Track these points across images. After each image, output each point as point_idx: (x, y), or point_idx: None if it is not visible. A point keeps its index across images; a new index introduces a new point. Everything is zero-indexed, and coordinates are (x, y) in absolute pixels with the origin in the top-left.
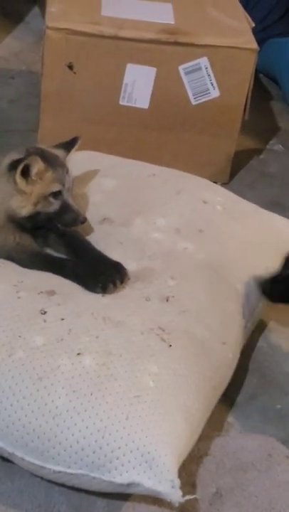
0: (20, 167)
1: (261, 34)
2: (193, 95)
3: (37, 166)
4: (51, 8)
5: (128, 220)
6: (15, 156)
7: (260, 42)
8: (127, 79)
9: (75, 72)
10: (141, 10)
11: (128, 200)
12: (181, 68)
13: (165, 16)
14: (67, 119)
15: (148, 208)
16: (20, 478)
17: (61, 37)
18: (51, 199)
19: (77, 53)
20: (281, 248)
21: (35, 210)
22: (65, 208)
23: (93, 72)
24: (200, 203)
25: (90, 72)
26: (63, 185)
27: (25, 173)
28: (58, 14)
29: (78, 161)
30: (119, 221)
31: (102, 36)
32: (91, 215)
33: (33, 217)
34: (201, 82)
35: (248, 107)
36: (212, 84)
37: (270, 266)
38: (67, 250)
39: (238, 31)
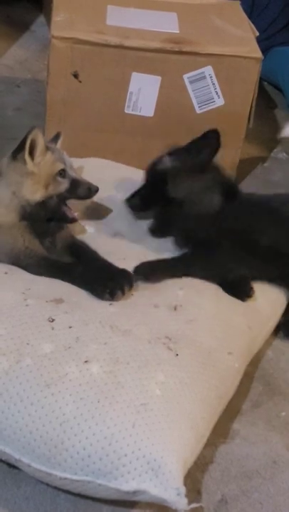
0: (28, 142)
1: (265, 43)
2: (198, 104)
3: (41, 140)
4: (57, 18)
5: (139, 237)
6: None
7: (264, 50)
8: (132, 87)
9: (80, 81)
10: (146, 19)
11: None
12: (185, 77)
13: (170, 25)
14: (72, 128)
15: None
16: (27, 485)
17: (67, 46)
18: (59, 178)
19: (82, 62)
20: None
21: (47, 193)
22: (76, 182)
23: (98, 80)
24: None
25: (95, 81)
26: (64, 163)
27: (31, 152)
28: (63, 23)
29: (89, 167)
30: (131, 237)
31: (108, 45)
32: (103, 228)
33: (46, 204)
34: (206, 91)
35: (252, 115)
36: (216, 93)
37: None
38: (74, 259)
39: (243, 40)
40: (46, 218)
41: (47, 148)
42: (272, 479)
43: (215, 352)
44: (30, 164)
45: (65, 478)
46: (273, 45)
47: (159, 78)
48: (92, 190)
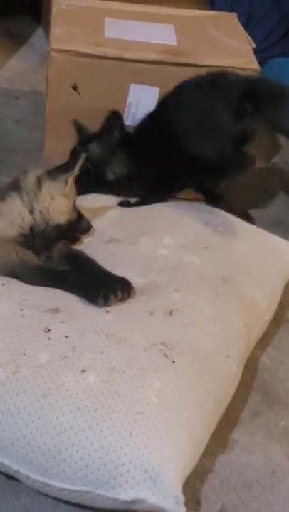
0: (78, 166)
1: (262, 54)
2: None
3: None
4: (55, 30)
5: (135, 239)
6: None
7: (261, 62)
8: (131, 99)
9: (79, 93)
10: (144, 32)
11: (133, 224)
12: None
13: (167, 37)
14: (71, 140)
15: (154, 229)
16: (26, 496)
17: (65, 58)
18: (74, 207)
19: (81, 74)
20: (281, 268)
21: (68, 217)
22: (80, 215)
23: (97, 92)
24: (202, 224)
25: (94, 93)
26: None
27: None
28: (62, 36)
29: None
30: (126, 240)
31: (106, 57)
32: (97, 236)
33: (61, 226)
34: None
35: None
36: None
37: (274, 285)
38: (71, 268)
39: (240, 52)
40: (56, 238)
41: None
42: (271, 489)
43: (212, 356)
44: (69, 187)
45: (64, 489)
46: (270, 57)
47: (157, 90)
48: (90, 226)
